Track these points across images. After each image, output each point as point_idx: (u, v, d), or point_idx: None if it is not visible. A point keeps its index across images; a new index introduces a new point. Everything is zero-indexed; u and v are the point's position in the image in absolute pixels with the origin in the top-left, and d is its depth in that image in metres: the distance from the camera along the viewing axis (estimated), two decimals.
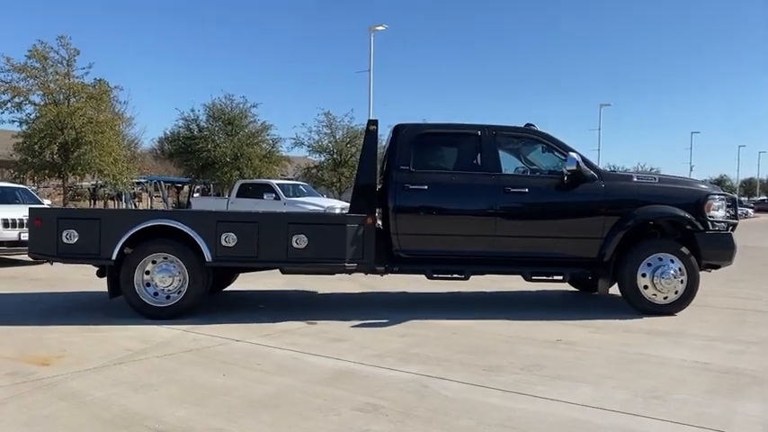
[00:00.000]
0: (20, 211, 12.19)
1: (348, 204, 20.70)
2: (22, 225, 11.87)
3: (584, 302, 8.08)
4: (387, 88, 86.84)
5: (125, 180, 21.66)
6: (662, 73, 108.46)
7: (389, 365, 4.75)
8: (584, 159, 6.94)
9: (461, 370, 4.64)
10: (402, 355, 5.10)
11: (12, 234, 11.80)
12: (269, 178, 24.53)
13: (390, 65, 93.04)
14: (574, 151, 6.94)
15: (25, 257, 12.55)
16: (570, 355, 5.14)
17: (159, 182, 27.86)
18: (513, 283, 7.88)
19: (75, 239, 6.43)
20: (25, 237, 12.04)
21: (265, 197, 19.02)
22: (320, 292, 8.55)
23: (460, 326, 6.26)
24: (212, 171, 25.35)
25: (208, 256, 6.49)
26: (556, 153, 7.14)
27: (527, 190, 6.93)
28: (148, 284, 6.58)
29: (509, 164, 7.24)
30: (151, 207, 27.50)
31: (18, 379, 4.29)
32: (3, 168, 28.43)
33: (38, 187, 20.16)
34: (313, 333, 5.95)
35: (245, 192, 20.14)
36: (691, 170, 62.34)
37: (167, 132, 28.46)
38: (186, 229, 6.47)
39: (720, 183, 66.83)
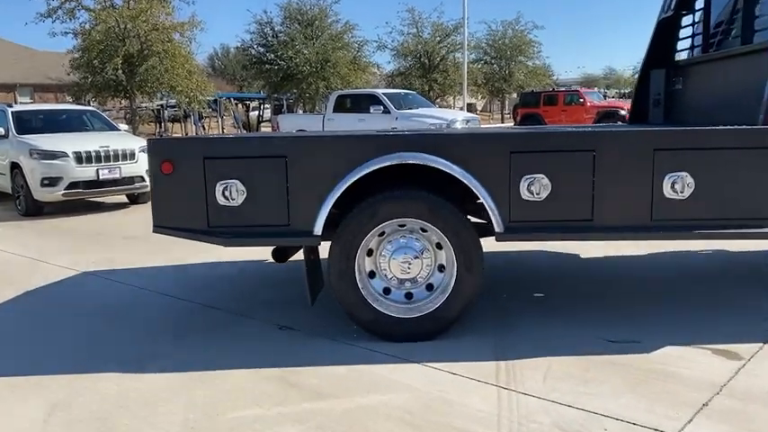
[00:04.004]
0: (95, 141, 9.20)
1: (470, 115, 17.19)
2: (99, 159, 8.90)
3: None
4: None
5: (200, 98, 18.46)
6: None
7: None
8: None
9: None
10: None
11: (88, 172, 8.83)
12: (356, 88, 21.01)
13: None
14: None
15: (104, 200, 9.74)
16: None
17: (229, 99, 24.61)
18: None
19: (242, 198, 3.24)
20: (105, 175, 9.17)
21: (372, 110, 15.46)
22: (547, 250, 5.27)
23: None
24: (294, 83, 21.81)
25: (497, 220, 3.24)
26: None
27: None
28: (373, 274, 3.44)
29: None
30: (222, 131, 24.47)
31: None
32: (59, 93, 25.86)
33: (103, 111, 17.24)
34: None
35: (343, 105, 16.60)
36: None
37: (219, 47, 24.78)
38: (456, 171, 3.20)
39: None
